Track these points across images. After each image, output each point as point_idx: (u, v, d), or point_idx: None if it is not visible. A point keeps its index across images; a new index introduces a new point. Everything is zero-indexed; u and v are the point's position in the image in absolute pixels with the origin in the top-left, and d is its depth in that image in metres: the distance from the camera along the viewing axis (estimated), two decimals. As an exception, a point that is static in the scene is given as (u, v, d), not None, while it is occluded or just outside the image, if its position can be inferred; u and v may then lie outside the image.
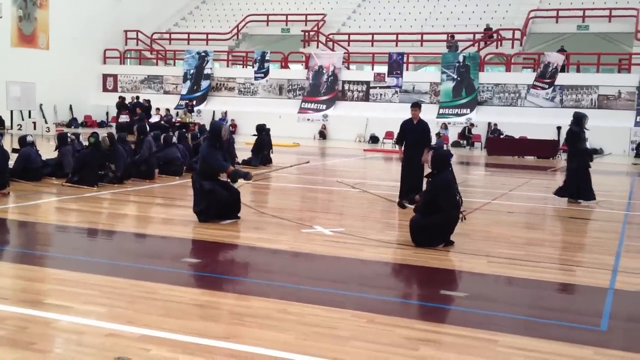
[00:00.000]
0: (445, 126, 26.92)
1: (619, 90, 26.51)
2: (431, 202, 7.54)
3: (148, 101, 29.63)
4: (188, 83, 32.91)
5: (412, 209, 8.07)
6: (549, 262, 7.03)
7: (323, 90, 30.71)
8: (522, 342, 4.60)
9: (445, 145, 24.09)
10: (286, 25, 36.26)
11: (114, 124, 29.41)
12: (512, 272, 6.60)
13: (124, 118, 27.86)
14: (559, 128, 25.97)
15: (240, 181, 9.00)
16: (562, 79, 26.61)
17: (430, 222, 7.45)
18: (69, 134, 12.97)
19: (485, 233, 8.70)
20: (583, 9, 31.26)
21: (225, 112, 30.45)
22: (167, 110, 28.89)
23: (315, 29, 34.35)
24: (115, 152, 12.12)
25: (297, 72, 32.58)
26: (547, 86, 26.59)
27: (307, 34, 34.17)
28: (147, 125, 15.04)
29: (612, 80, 27.09)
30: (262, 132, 16.79)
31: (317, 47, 33.63)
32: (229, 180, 8.94)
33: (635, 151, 25.05)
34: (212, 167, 8.74)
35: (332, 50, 32.58)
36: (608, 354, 4.41)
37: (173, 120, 28.06)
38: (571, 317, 5.19)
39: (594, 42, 30.98)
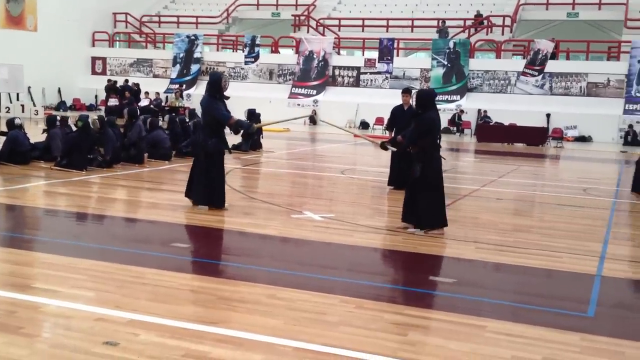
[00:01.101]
0: (435, 112, 26.89)
1: (608, 77, 26.60)
2: (415, 141, 7.49)
3: (137, 85, 29.39)
4: (178, 67, 32.67)
5: (394, 151, 8.27)
6: (537, 248, 7.07)
7: (313, 75, 30.60)
8: (510, 327, 4.64)
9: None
10: (276, 9, 36.01)
11: (103, 107, 29.19)
12: (500, 258, 6.64)
13: (113, 101, 27.63)
14: (548, 115, 26.06)
15: (232, 163, 8.96)
16: (551, 66, 26.65)
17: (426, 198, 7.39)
18: (57, 117, 12.85)
19: (474, 219, 8.74)
20: (574, -4, 31.24)
21: (215, 97, 30.23)
22: (157, 94, 28.68)
23: (306, 13, 34.15)
24: (105, 136, 12.05)
25: (287, 56, 32.41)
26: (536, 73, 26.63)
27: (297, 18, 33.97)
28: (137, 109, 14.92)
29: (601, 68, 27.16)
30: (252, 117, 16.73)
31: (308, 31, 33.46)
32: (231, 132, 8.75)
33: (623, 139, 25.19)
34: (214, 119, 8.33)
35: (323, 35, 32.43)
36: (595, 340, 4.45)
37: (163, 104, 27.89)
38: (558, 304, 5.23)
39: (584, 30, 31.00)
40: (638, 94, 25.94)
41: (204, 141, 8.34)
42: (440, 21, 30.25)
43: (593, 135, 25.88)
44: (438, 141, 7.68)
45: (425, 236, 7.36)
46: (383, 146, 8.36)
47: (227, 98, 8.65)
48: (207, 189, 8.31)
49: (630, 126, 25.14)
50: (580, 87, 26.84)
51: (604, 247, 7.30)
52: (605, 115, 25.64)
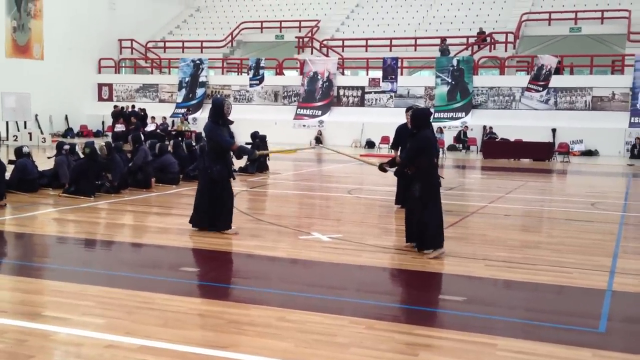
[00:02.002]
0: (440, 130, 26.94)
1: (613, 91, 26.61)
2: (412, 160, 7.50)
3: (143, 110, 29.63)
4: (183, 91, 32.92)
5: (393, 172, 8.28)
6: (546, 264, 7.04)
7: (318, 96, 30.76)
8: (521, 345, 4.61)
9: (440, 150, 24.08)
10: (280, 31, 36.34)
11: (109, 134, 29.40)
12: (509, 275, 6.61)
13: (120, 127, 27.84)
14: (554, 130, 26.06)
15: (238, 186, 9.00)
16: (556, 81, 26.69)
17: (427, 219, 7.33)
18: (65, 144, 12.96)
19: (482, 236, 8.72)
20: (575, 11, 31.40)
21: (221, 120, 30.42)
22: (163, 118, 28.89)
23: (310, 35, 34.43)
24: (113, 161, 12.13)
25: (292, 78, 32.62)
26: (541, 89, 26.66)
27: (301, 40, 34.25)
28: (143, 134, 15.04)
29: (606, 82, 27.18)
30: (256, 139, 16.78)
31: (312, 53, 33.69)
32: (234, 156, 8.78)
33: (629, 152, 25.13)
34: (218, 145, 8.36)
35: (327, 56, 32.64)
36: (606, 356, 4.42)
37: (169, 128, 28.06)
38: (569, 319, 5.21)
39: (587, 44, 31.10)
40: (643, 107, 25.91)
41: (208, 167, 8.38)
42: (442, 40, 30.40)
43: (599, 149, 25.82)
44: (435, 160, 7.65)
45: (433, 255, 7.33)
46: (381, 168, 8.27)
47: (231, 123, 8.74)
48: (207, 213, 8.36)
49: (637, 139, 25.09)
50: (585, 101, 26.85)
51: (614, 261, 7.26)
52: (611, 129, 25.61)
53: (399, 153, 11.08)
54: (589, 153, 25.67)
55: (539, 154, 23.53)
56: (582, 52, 29.88)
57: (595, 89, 26.74)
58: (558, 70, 27.50)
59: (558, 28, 31.63)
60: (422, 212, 7.36)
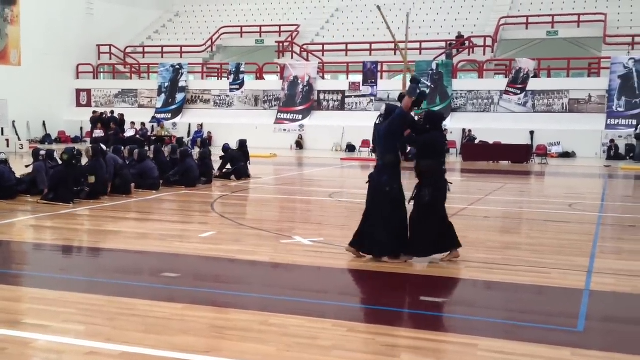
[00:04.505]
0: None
1: (589, 94, 26.98)
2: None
3: (121, 115, 29.46)
4: (163, 96, 32.77)
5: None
6: (525, 265, 7.12)
7: (299, 100, 30.79)
8: (501, 345, 4.66)
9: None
10: (260, 36, 36.32)
11: (88, 139, 29.14)
12: (489, 276, 6.68)
13: (99, 133, 27.61)
14: (532, 132, 26.33)
15: (219, 191, 8.94)
16: (533, 84, 26.99)
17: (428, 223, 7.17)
18: (41, 150, 12.81)
19: (463, 238, 8.74)
20: (552, 15, 31.79)
21: (201, 125, 30.38)
22: (142, 124, 28.71)
23: (290, 39, 34.47)
24: (97, 164, 12.00)
25: (272, 82, 32.63)
26: (519, 92, 26.94)
27: (281, 44, 34.27)
28: (122, 140, 14.89)
29: (583, 85, 27.54)
30: (244, 147, 16.69)
31: (292, 57, 33.74)
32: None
33: (606, 153, 25.48)
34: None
35: (307, 60, 32.70)
36: (585, 355, 4.48)
37: (149, 134, 27.90)
38: (548, 319, 5.27)
39: (564, 48, 31.50)
40: (619, 109, 26.32)
41: (388, 185, 7.26)
42: (447, 43, 30.55)
43: (576, 150, 26.16)
44: (443, 166, 7.45)
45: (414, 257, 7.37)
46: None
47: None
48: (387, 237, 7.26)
49: (612, 141, 25.45)
50: (563, 103, 27.19)
51: (591, 261, 7.37)
52: (588, 130, 25.95)
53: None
54: (566, 155, 25.99)
55: (518, 156, 23.77)
56: (559, 55, 30.25)
57: (572, 92, 27.10)
58: (536, 74, 27.82)
59: (535, 32, 32.00)
60: (427, 218, 7.15)
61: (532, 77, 26.93)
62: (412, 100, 7.21)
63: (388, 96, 29.37)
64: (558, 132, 26.22)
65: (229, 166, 16.13)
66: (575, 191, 15.33)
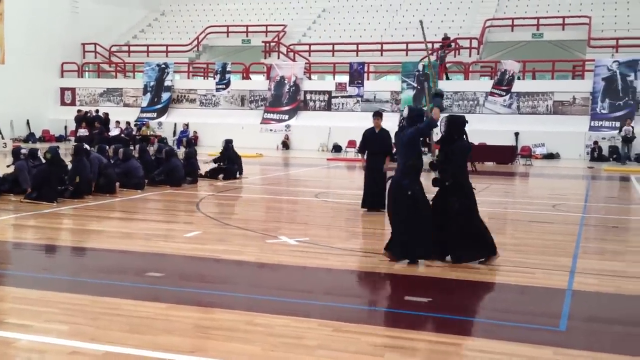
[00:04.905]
0: (406, 134, 27.20)
1: (574, 96, 27.20)
2: (461, 170, 7.20)
3: (106, 114, 29.30)
4: (148, 95, 32.62)
5: (432, 178, 7.40)
6: (510, 265, 7.17)
7: (285, 100, 30.78)
8: (485, 344, 4.69)
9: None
10: (247, 36, 36.26)
11: (72, 138, 28.95)
12: (474, 276, 6.72)
13: (83, 132, 27.45)
14: (516, 134, 26.51)
15: (205, 191, 8.90)
16: (518, 86, 27.17)
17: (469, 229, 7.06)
18: (22, 149, 12.68)
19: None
20: (537, 17, 32.03)
21: (187, 124, 30.27)
22: (128, 123, 28.56)
23: (276, 39, 34.44)
24: (80, 163, 11.91)
25: (258, 82, 32.59)
26: (504, 93, 27.10)
27: (268, 44, 34.23)
28: (107, 139, 14.80)
29: (567, 87, 27.78)
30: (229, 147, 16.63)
31: (278, 57, 33.71)
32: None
33: (589, 155, 25.71)
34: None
35: (293, 60, 32.69)
36: (567, 354, 4.53)
37: (134, 133, 27.77)
38: (531, 319, 5.32)
39: (549, 50, 31.75)
40: (603, 111, 26.57)
41: (409, 188, 7.19)
42: (442, 45, 30.60)
43: (560, 152, 26.37)
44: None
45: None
46: (432, 166, 7.46)
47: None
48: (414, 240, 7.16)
49: (596, 142, 25.69)
50: (547, 105, 27.40)
51: (574, 261, 7.44)
52: (572, 132, 26.17)
53: (365, 157, 11.13)
54: (550, 156, 26.19)
55: (502, 157, 23.91)
56: (544, 57, 30.49)
57: (556, 94, 27.31)
58: (519, 76, 28.02)
59: (521, 34, 32.22)
60: (460, 225, 7.08)
61: (518, 79, 27.14)
62: (440, 111, 7.18)
63: (374, 97, 29.45)
64: (542, 133, 26.42)
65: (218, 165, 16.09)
66: (559, 192, 15.46)
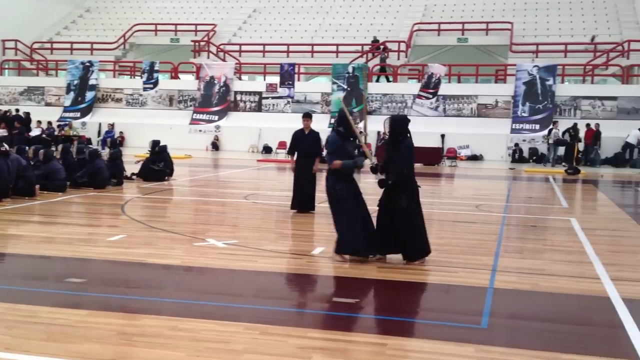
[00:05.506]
0: (336, 135, 27.43)
1: (496, 99, 28.14)
2: (403, 171, 7.25)
3: (27, 114, 28.17)
4: (72, 94, 31.59)
5: (378, 180, 7.45)
6: (435, 265, 7.33)
7: (215, 100, 30.46)
8: (409, 343, 4.78)
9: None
10: (175, 35, 35.69)
11: (-10, 138, 27.68)
12: (400, 276, 6.83)
13: (2, 132, 26.27)
14: (442, 136, 27.18)
15: (130, 194, 8.70)
16: (444, 89, 27.88)
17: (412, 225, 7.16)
18: None
19: (375, 239, 8.93)
20: (462, 22, 32.96)
21: (113, 124, 29.49)
22: (49, 123, 27.56)
23: (206, 39, 34.04)
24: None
25: (187, 82, 32.12)
26: (431, 96, 27.74)
27: (197, 44, 33.78)
28: (28, 140, 14.24)
29: (490, 90, 28.73)
30: (155, 147, 16.30)
31: (208, 57, 33.33)
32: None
33: (511, 157, 26.64)
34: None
35: (224, 60, 32.39)
36: (488, 351, 4.66)
37: (56, 133, 26.82)
38: (455, 317, 5.45)
39: (473, 54, 32.74)
40: (524, 114, 27.59)
41: (331, 187, 7.42)
42: (383, 47, 30.90)
43: (484, 154, 27.22)
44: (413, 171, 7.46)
45: (328, 259, 7.45)
46: (374, 169, 7.52)
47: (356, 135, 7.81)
48: (359, 235, 7.33)
49: (517, 144, 26.66)
50: (471, 108, 28.22)
51: (496, 260, 7.68)
52: (495, 134, 27.06)
53: (295, 158, 11.16)
54: (474, 157, 26.99)
55: (429, 159, 24.43)
56: (469, 61, 31.40)
57: (480, 97, 28.18)
58: (447, 79, 28.78)
59: (446, 38, 33.08)
60: (410, 223, 7.18)
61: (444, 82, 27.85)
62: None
63: (305, 98, 29.56)
64: (467, 135, 27.19)
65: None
66: (482, 193, 15.95)
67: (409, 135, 7.46)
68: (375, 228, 7.41)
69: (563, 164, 24.18)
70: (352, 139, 7.69)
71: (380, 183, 7.42)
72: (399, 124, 7.42)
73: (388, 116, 7.72)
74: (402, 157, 7.29)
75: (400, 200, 7.22)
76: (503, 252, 8.22)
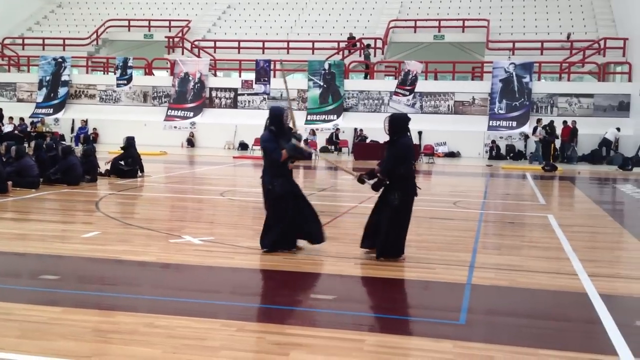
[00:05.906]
0: (313, 132, 27.40)
1: (473, 96, 28.34)
2: (392, 170, 7.21)
3: (-1, 109, 27.70)
4: (44, 90, 31.11)
5: (371, 185, 7.47)
6: (413, 261, 7.34)
7: (190, 97, 30.22)
8: (387, 340, 4.77)
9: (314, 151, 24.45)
10: (149, 30, 35.34)
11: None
12: (378, 273, 6.82)
13: (-27, 128, 25.82)
14: (420, 133, 27.29)
15: (104, 191, 8.58)
16: (421, 86, 28.00)
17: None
18: None
19: (353, 236, 8.91)
20: (439, 19, 33.11)
21: (86, 121, 29.12)
22: (21, 119, 27.12)
23: (180, 35, 33.74)
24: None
25: (162, 78, 31.82)
26: (408, 93, 27.82)
27: (171, 40, 33.48)
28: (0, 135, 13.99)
29: (467, 88, 28.91)
30: (131, 146, 16.10)
31: (183, 53, 33.05)
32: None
33: (488, 153, 26.86)
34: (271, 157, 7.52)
35: (198, 56, 32.15)
36: (466, 346, 4.67)
37: (28, 129, 26.41)
38: (433, 313, 5.46)
39: (450, 51, 32.92)
40: (500, 111, 27.82)
41: (269, 183, 7.48)
42: (364, 45, 30.84)
43: (461, 150, 27.40)
44: (413, 168, 7.41)
45: (307, 255, 7.41)
46: (360, 180, 7.63)
47: (292, 131, 7.71)
48: (273, 233, 7.47)
49: (494, 142, 26.88)
50: (448, 105, 28.38)
51: (473, 256, 7.71)
52: (472, 131, 27.26)
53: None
54: (451, 154, 27.16)
55: (407, 156, 24.49)
56: (446, 58, 31.57)
57: (457, 94, 28.36)
58: (423, 76, 28.90)
59: (423, 35, 33.21)
60: (393, 221, 7.16)
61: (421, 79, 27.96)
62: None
63: (281, 95, 29.46)
64: (444, 132, 27.35)
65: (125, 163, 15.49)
66: (459, 189, 16.03)
67: (408, 134, 7.39)
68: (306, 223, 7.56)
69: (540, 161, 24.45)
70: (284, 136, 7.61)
71: (374, 187, 7.43)
72: (397, 123, 7.33)
73: (388, 114, 7.62)
74: (396, 153, 7.23)
75: (393, 197, 7.21)
76: (481, 248, 8.26)
